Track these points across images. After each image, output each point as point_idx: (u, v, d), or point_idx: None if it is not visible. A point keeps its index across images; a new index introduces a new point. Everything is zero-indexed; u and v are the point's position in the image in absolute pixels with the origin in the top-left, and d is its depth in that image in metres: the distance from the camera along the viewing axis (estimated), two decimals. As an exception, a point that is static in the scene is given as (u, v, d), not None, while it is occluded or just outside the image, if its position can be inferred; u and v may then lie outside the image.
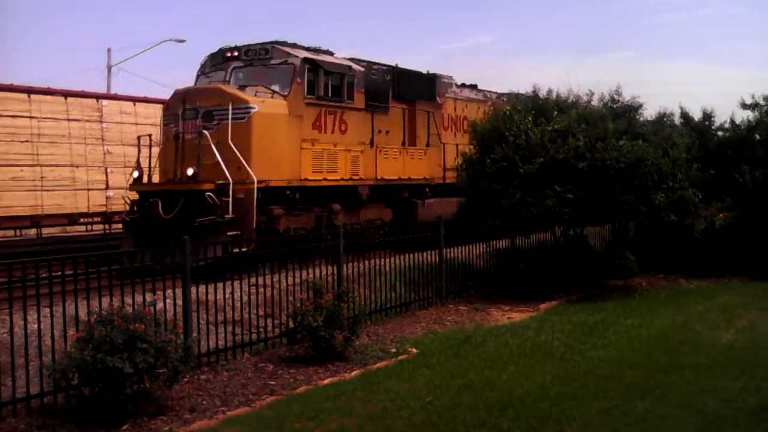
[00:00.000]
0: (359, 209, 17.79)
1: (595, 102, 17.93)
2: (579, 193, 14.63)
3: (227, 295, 10.31)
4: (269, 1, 66.49)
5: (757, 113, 19.44)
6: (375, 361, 9.83)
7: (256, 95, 15.45)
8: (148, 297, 8.79)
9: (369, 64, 18.62)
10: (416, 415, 7.47)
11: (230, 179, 14.08)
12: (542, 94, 17.72)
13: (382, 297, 12.78)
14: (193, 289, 9.69)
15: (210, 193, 14.05)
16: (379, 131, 18.37)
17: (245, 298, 10.66)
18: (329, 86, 16.69)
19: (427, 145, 20.04)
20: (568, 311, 13.33)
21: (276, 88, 16.03)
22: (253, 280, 10.87)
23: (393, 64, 19.53)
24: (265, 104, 15.40)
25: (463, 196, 19.39)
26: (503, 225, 15.46)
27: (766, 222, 17.34)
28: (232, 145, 14.35)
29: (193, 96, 15.49)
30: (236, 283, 10.46)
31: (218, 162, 14.21)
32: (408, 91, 19.51)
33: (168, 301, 9.28)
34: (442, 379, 8.77)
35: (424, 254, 14.27)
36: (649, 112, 19.23)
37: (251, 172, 14.41)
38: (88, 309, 8.13)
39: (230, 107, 14.60)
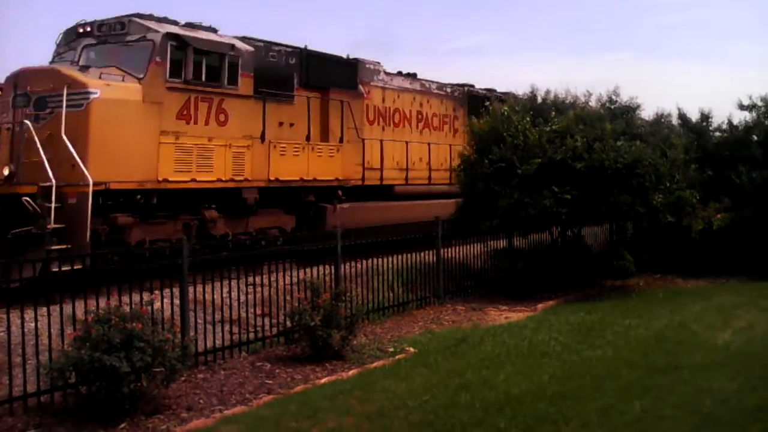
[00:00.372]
0: (247, 216, 15.23)
1: (592, 102, 18.03)
2: (577, 194, 14.66)
3: (224, 295, 10.31)
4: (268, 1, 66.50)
5: (754, 114, 19.47)
6: (372, 361, 9.83)
7: (100, 78, 12.86)
8: (146, 296, 8.80)
9: (266, 45, 15.98)
10: (413, 415, 7.47)
11: (53, 180, 11.67)
12: (540, 94, 17.78)
13: (379, 296, 12.78)
14: (191, 288, 9.69)
15: (27, 198, 11.64)
16: (281, 123, 15.89)
17: (242, 298, 10.68)
18: (203, 68, 14.06)
19: (341, 140, 17.34)
20: (566, 311, 13.34)
21: (132, 69, 13.41)
22: (250, 279, 10.86)
23: (302, 46, 16.88)
24: (111, 89, 12.82)
25: (388, 200, 18.54)
26: (501, 225, 15.47)
27: (764, 223, 17.39)
28: (66, 139, 12.06)
29: (25, 79, 13.00)
30: (233, 282, 10.45)
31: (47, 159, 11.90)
32: (320, 78, 17.00)
33: (165, 300, 9.27)
34: (439, 378, 8.76)
35: (422, 254, 14.28)
36: (647, 113, 19.33)
37: (86, 172, 11.96)
38: (86, 308, 8.13)
39: (65, 92, 12.26)
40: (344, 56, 18.35)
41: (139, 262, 9.77)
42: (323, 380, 8.94)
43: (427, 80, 21.30)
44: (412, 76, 20.76)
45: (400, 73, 20.36)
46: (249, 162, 14.98)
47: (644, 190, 15.02)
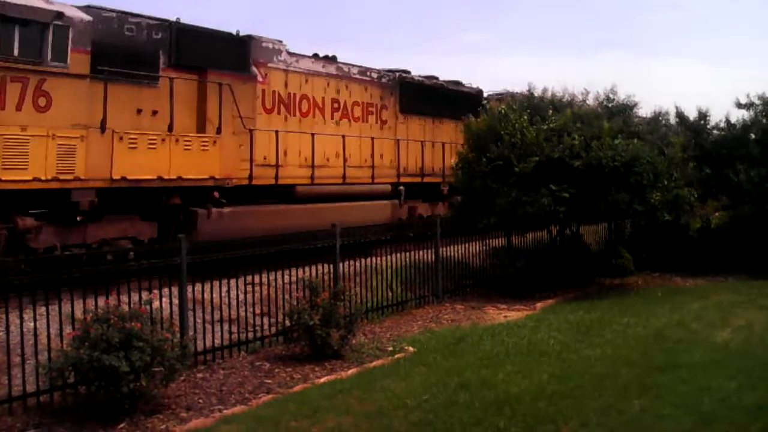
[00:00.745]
0: (85, 225, 12.46)
1: (590, 101, 18.08)
2: (574, 192, 14.68)
3: (223, 294, 10.30)
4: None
5: (752, 112, 19.50)
6: (371, 360, 9.82)
7: None
8: (145, 296, 8.79)
9: (120, 16, 13.55)
10: (413, 414, 7.47)
11: None
12: (537, 93, 17.79)
13: (378, 296, 12.77)
14: (190, 288, 9.68)
15: None
16: (139, 111, 13.31)
17: (241, 297, 10.66)
18: (14, 40, 11.51)
19: (219, 131, 14.47)
20: (565, 310, 13.35)
21: None
22: (249, 278, 10.85)
23: (173, 19, 14.25)
24: None
25: (288, 203, 16.12)
26: (499, 223, 15.49)
27: (762, 221, 17.42)
28: None
29: None
30: (232, 282, 10.43)
31: None
32: (195, 57, 14.34)
33: (164, 299, 9.26)
34: (438, 377, 8.77)
35: (421, 253, 14.28)
36: (645, 112, 19.36)
37: None
38: (85, 307, 8.12)
39: None
40: (233, 32, 15.56)
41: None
42: (322, 379, 8.94)
43: (346, 63, 18.56)
44: (329, 59, 18.08)
45: (316, 56, 17.73)
46: (82, 157, 12.12)
47: (642, 189, 15.04)
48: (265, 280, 10.73)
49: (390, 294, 13.18)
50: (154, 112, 13.54)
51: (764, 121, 19.13)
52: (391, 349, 10.43)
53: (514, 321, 12.48)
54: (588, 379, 8.57)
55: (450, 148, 20.96)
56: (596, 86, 34.39)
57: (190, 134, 13.99)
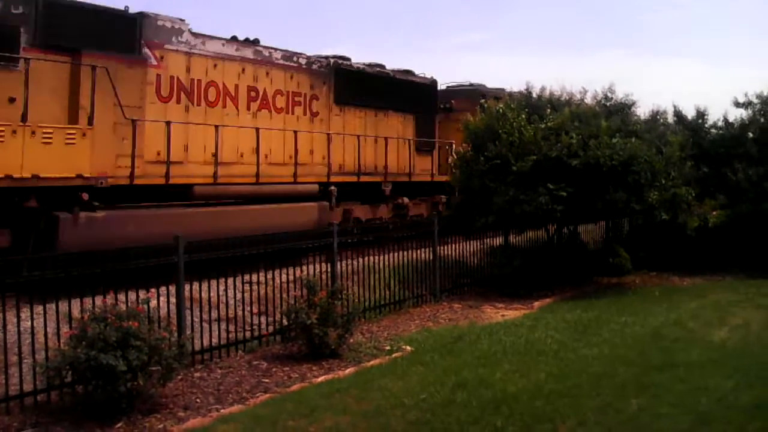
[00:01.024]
0: None
1: (588, 100, 18.11)
2: (572, 191, 14.69)
3: (221, 293, 10.29)
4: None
5: (750, 111, 19.53)
6: (369, 359, 9.81)
7: None
8: (142, 295, 8.78)
9: None
10: (410, 413, 7.47)
11: None
12: (535, 92, 17.81)
13: (376, 295, 12.77)
14: (187, 287, 9.67)
15: None
16: None
17: (239, 296, 10.66)
18: None
19: (90, 121, 12.47)
20: (562, 309, 13.36)
21: None
22: (246, 277, 10.84)
23: None
24: None
25: (186, 206, 14.19)
26: (496, 222, 15.50)
27: (759, 220, 17.43)
28: None
29: None
30: (230, 281, 10.42)
31: None
32: (67, 36, 12.37)
33: (162, 298, 9.26)
34: (436, 376, 8.76)
35: (418, 252, 14.27)
36: (644, 111, 19.40)
37: None
38: (82, 306, 8.11)
39: None
40: (121, 8, 13.63)
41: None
42: (320, 379, 8.93)
43: (267, 47, 16.33)
44: (245, 42, 15.93)
45: (234, 38, 15.66)
46: None
47: (640, 188, 15.05)
48: (262, 278, 10.73)
49: (387, 293, 13.17)
50: (11, 100, 11.56)
51: (762, 120, 19.16)
52: (388, 348, 10.42)
53: (512, 320, 12.48)
54: (585, 378, 8.57)
55: (396, 144, 19.57)
56: (595, 85, 34.38)
57: (51, 125, 11.87)
